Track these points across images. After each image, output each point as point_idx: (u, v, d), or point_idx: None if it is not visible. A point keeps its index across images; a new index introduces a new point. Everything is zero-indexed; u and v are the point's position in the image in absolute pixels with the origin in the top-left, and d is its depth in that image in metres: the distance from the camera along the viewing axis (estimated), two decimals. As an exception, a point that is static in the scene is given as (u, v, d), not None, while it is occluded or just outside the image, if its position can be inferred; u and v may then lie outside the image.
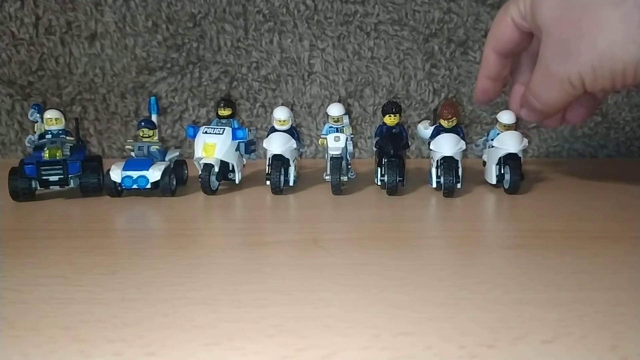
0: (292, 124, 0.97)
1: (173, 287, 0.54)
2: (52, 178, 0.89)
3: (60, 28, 1.22)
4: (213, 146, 0.92)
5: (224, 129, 0.94)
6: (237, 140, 0.95)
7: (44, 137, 0.93)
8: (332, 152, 0.92)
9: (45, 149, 0.89)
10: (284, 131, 0.95)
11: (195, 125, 0.98)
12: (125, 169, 0.89)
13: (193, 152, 0.94)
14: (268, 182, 0.92)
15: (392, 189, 0.90)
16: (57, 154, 0.89)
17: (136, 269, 0.59)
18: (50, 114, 0.93)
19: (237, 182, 0.97)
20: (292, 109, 1.11)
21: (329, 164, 0.94)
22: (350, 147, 0.96)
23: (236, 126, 0.97)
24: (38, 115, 0.95)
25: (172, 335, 0.45)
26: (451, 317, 0.48)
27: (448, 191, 0.89)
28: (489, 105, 0.93)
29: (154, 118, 0.98)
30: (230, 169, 0.96)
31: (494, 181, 0.93)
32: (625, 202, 0.87)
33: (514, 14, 0.79)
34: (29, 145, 0.95)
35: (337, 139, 0.92)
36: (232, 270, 0.60)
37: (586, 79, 0.70)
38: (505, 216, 0.85)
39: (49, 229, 0.75)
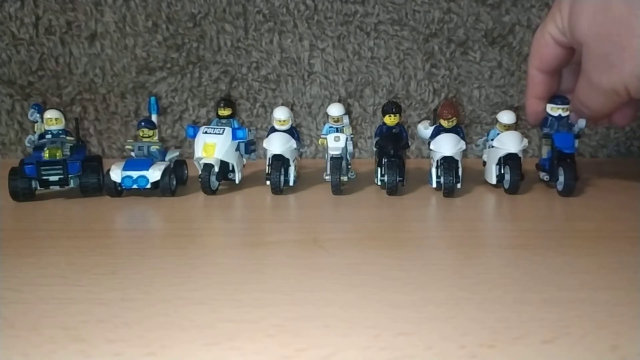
0: (292, 124, 0.97)
1: (173, 287, 0.54)
2: (52, 178, 0.89)
3: (60, 28, 1.22)
4: (213, 146, 0.92)
5: (224, 129, 0.94)
6: (237, 140, 0.95)
7: (44, 137, 0.93)
8: (332, 152, 0.92)
9: (45, 149, 0.89)
10: (284, 131, 0.95)
11: (195, 125, 0.98)
12: (125, 169, 0.89)
13: (193, 152, 0.94)
14: (268, 182, 0.92)
15: (392, 189, 0.90)
16: (57, 154, 0.89)
17: (136, 269, 0.59)
18: (50, 114, 0.93)
19: (237, 182, 0.97)
20: (292, 109, 1.11)
21: (329, 164, 0.94)
22: (350, 147, 0.96)
23: (236, 126, 0.97)
24: (38, 115, 0.95)
25: (172, 335, 0.45)
26: (451, 317, 0.48)
27: (448, 191, 0.89)
28: (539, 125, 0.95)
29: (154, 118, 0.98)
30: (230, 169, 0.96)
31: (494, 181, 0.93)
32: (625, 202, 0.87)
33: (553, 31, 0.80)
34: (29, 145, 0.95)
35: (337, 139, 0.92)
36: (232, 270, 0.60)
37: (631, 88, 0.71)
38: (505, 216, 0.85)
39: (49, 229, 0.75)
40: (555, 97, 0.92)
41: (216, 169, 0.92)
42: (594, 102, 0.78)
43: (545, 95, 0.90)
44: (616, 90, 0.72)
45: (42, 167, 0.88)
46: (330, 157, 0.92)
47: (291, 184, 0.95)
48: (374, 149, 0.96)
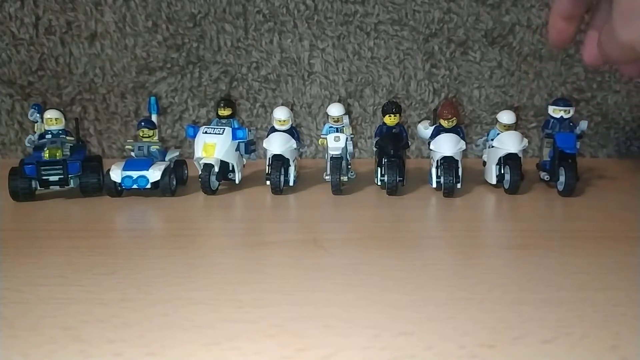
0: (292, 124, 0.97)
1: (173, 287, 0.54)
2: (52, 178, 0.89)
3: (60, 28, 1.21)
4: (213, 146, 0.92)
5: (224, 129, 0.94)
6: (237, 140, 0.95)
7: (44, 137, 0.93)
8: (332, 152, 0.92)
9: (45, 149, 0.89)
10: (284, 131, 0.95)
11: (195, 125, 0.98)
12: (125, 169, 0.89)
13: (193, 152, 0.94)
14: (268, 182, 0.92)
15: (392, 189, 0.90)
16: (57, 154, 0.89)
17: (136, 269, 0.59)
18: (50, 114, 0.93)
19: (237, 182, 0.97)
20: (292, 109, 1.11)
21: (329, 164, 0.94)
22: (350, 147, 0.96)
23: (236, 126, 0.97)
24: (38, 115, 0.95)
25: (172, 335, 0.45)
26: (451, 317, 0.48)
27: (448, 191, 0.89)
28: (565, 47, 0.90)
29: (154, 118, 0.98)
30: (230, 169, 0.96)
31: (494, 181, 0.93)
32: (625, 202, 0.87)
33: None
34: (29, 145, 0.95)
35: (337, 139, 0.92)
36: (232, 270, 0.60)
37: None
38: (505, 216, 0.85)
39: (49, 229, 0.75)
40: (558, 100, 0.94)
41: (216, 169, 0.92)
42: (612, 52, 0.75)
43: (569, 14, 0.83)
44: (634, 46, 0.70)
45: (42, 167, 0.88)
46: (330, 157, 0.92)
47: (291, 184, 0.95)
48: (374, 149, 0.96)
